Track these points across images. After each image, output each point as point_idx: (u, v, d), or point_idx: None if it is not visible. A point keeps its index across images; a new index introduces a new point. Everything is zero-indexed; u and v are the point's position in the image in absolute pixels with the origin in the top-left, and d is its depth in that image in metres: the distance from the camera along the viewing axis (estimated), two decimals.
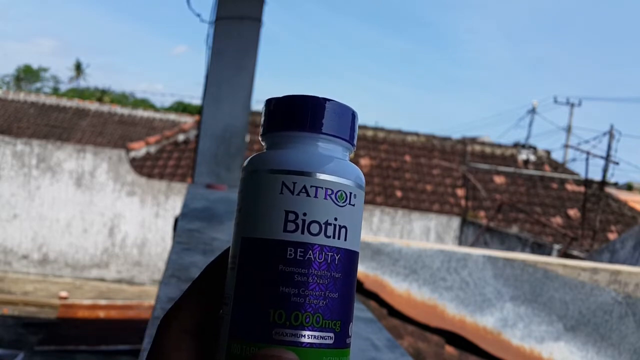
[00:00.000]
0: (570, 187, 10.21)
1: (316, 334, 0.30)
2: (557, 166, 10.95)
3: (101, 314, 6.72)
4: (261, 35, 4.07)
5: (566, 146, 14.49)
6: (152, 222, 8.58)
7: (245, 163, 0.34)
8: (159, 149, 9.33)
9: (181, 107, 30.76)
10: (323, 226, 0.31)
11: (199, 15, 4.02)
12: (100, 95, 29.38)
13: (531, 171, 10.37)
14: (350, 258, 0.33)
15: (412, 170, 9.89)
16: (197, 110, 19.45)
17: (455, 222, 8.86)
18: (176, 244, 1.97)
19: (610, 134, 8.62)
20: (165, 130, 13.53)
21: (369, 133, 10.37)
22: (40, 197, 8.56)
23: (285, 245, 0.31)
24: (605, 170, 8.44)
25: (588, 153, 8.56)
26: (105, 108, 15.80)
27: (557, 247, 6.11)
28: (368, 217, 8.60)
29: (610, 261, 5.20)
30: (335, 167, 0.32)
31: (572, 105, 18.79)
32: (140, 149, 9.18)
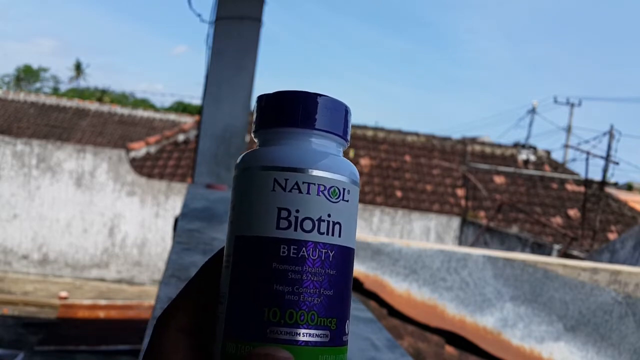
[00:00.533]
0: (570, 187, 10.21)
1: (311, 332, 0.30)
2: (557, 166, 10.95)
3: (101, 314, 6.72)
4: (261, 35, 4.08)
5: (566, 146, 14.49)
6: (152, 222, 8.59)
7: (238, 160, 0.34)
8: (159, 149, 9.33)
9: (181, 107, 30.76)
10: (316, 223, 0.31)
11: (199, 15, 4.03)
12: (100, 95, 29.38)
13: (531, 171, 10.36)
14: (345, 254, 0.32)
15: (412, 170, 9.89)
16: (197, 110, 19.45)
17: (455, 222, 8.85)
18: (176, 244, 1.97)
19: (610, 134, 8.61)
20: (165, 130, 13.53)
21: (369, 133, 10.37)
22: (40, 197, 8.56)
23: (278, 243, 0.30)
24: (605, 170, 8.44)
25: (588, 153, 8.56)
26: (105, 108, 15.80)
27: (557, 247, 6.10)
28: (368, 217, 8.60)
29: (610, 261, 5.20)
30: (328, 163, 0.32)
31: (572, 105, 18.79)
32: (140, 149, 9.18)
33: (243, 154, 0.34)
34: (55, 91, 33.85)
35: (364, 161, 9.78)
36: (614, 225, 9.32)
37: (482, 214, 9.10)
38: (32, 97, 15.72)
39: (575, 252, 5.89)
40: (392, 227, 8.72)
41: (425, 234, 8.80)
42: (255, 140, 0.35)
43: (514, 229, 8.22)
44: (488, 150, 10.81)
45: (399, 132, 10.62)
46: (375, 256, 3.60)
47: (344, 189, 0.32)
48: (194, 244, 2.01)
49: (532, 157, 10.91)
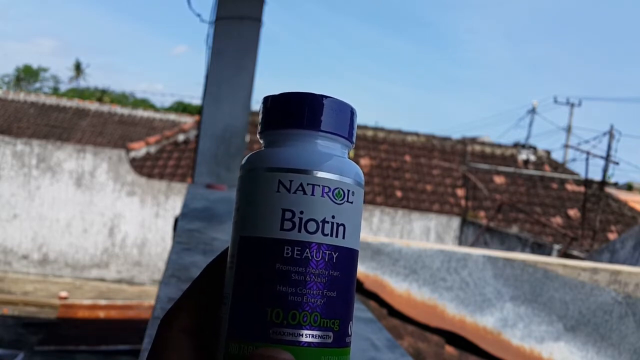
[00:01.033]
0: (570, 187, 10.21)
1: (314, 333, 0.30)
2: (557, 166, 10.95)
3: (101, 314, 6.72)
4: (261, 35, 4.07)
5: (566, 146, 14.49)
6: (152, 222, 8.58)
7: (243, 161, 0.34)
8: (159, 149, 9.33)
9: (181, 107, 30.76)
10: (320, 224, 0.31)
11: (199, 15, 4.03)
12: (100, 95, 29.38)
13: (531, 171, 10.36)
14: (348, 256, 0.32)
15: (412, 170, 9.89)
16: (197, 110, 19.45)
17: (455, 222, 8.86)
18: (176, 244, 1.97)
19: (610, 134, 8.62)
20: (165, 130, 13.53)
21: (369, 133, 10.37)
22: (40, 197, 8.56)
23: (282, 244, 0.30)
24: (605, 170, 8.44)
25: (588, 153, 8.56)
26: (105, 108, 15.80)
27: (557, 247, 6.10)
28: (368, 217, 8.60)
29: (610, 261, 5.20)
30: (332, 165, 0.32)
31: (572, 105, 18.79)
32: (140, 149, 9.17)
33: (248, 155, 0.34)
34: (55, 91, 33.85)
35: (364, 161, 9.78)
36: (614, 225, 9.32)
37: (482, 214, 9.10)
38: (32, 97, 15.72)
39: (575, 252, 5.89)
40: (392, 227, 8.72)
41: (425, 234, 8.80)
42: (261, 142, 0.35)
43: (514, 229, 8.22)
44: (488, 150, 10.81)
45: (399, 132, 10.62)
46: (375, 256, 3.60)
47: (348, 191, 0.32)
48: (194, 244, 2.01)
49: (532, 157, 10.91)
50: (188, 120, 15.09)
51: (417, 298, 3.61)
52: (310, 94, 0.33)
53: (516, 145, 11.36)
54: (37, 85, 35.91)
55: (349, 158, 0.34)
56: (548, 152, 11.18)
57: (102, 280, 8.54)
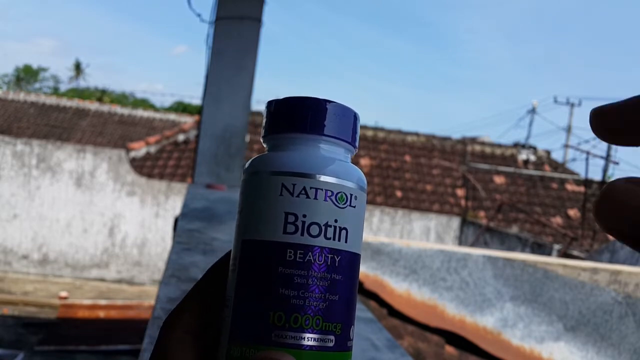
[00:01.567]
0: (570, 187, 10.21)
1: (316, 336, 0.30)
2: (557, 166, 10.95)
3: (101, 314, 6.72)
4: (261, 35, 4.08)
5: (566, 146, 14.49)
6: (152, 222, 8.59)
7: (247, 165, 0.34)
8: (159, 149, 9.33)
9: (181, 107, 30.75)
10: (323, 228, 0.31)
11: (199, 15, 4.03)
12: (100, 95, 29.38)
13: (531, 171, 10.37)
14: (351, 260, 0.32)
15: (412, 170, 9.89)
16: (197, 110, 19.45)
17: (455, 222, 8.86)
18: (176, 244, 1.97)
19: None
20: (165, 130, 13.53)
21: (369, 133, 10.37)
22: (40, 197, 8.56)
23: (284, 247, 0.31)
24: (605, 170, 8.45)
25: (588, 153, 8.57)
26: (105, 108, 15.80)
27: (557, 247, 6.11)
28: (368, 217, 8.60)
29: (610, 261, 5.20)
30: (335, 169, 0.32)
31: (572, 105, 18.79)
32: (140, 149, 9.17)
33: (252, 159, 0.34)
34: (55, 91, 33.84)
35: (364, 161, 9.78)
36: None
37: (482, 214, 9.10)
38: (32, 97, 15.72)
39: (575, 252, 5.89)
40: (392, 227, 8.72)
41: (425, 234, 8.80)
42: (264, 145, 0.35)
43: (514, 229, 8.22)
44: (488, 150, 10.81)
45: (399, 132, 10.62)
46: (375, 256, 3.60)
47: (351, 195, 0.32)
48: (194, 244, 2.01)
49: (532, 157, 10.91)
50: (188, 120, 15.09)
51: (417, 298, 3.61)
52: (313, 99, 0.33)
53: (516, 145, 11.36)
54: (37, 85, 35.92)
55: (350, 161, 0.35)
56: (548, 152, 11.18)
57: (102, 280, 8.54)
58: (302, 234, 0.31)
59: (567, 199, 9.93)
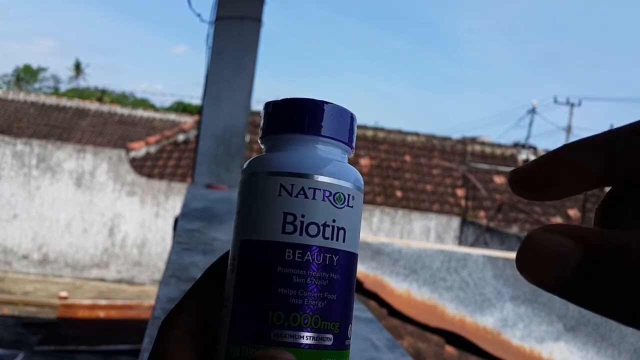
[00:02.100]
0: None
1: (315, 335, 0.31)
2: None
3: (101, 314, 6.72)
4: (261, 35, 4.08)
5: None
6: (152, 222, 8.59)
7: (245, 166, 0.34)
8: (159, 149, 9.33)
9: (181, 107, 30.75)
10: (321, 228, 0.31)
11: (199, 15, 4.03)
12: (100, 95, 29.38)
13: None
14: (348, 260, 0.33)
15: (412, 170, 9.89)
16: (197, 110, 19.45)
17: (455, 222, 8.86)
18: (176, 244, 1.97)
19: None
20: (165, 130, 13.53)
21: (369, 133, 10.38)
22: (40, 197, 8.56)
23: (283, 247, 0.31)
24: None
25: None
26: (105, 108, 15.80)
27: None
28: (368, 217, 8.61)
29: None
30: (333, 169, 0.32)
31: (572, 105, 18.80)
32: (140, 149, 9.18)
33: (250, 160, 0.34)
34: (56, 91, 33.84)
35: (364, 161, 9.79)
36: None
37: (482, 214, 9.10)
38: (32, 97, 15.72)
39: None
40: (392, 227, 8.72)
41: (425, 234, 8.80)
42: (262, 146, 0.35)
43: (514, 229, 8.22)
44: (488, 150, 10.82)
45: (399, 132, 10.63)
46: (375, 256, 3.60)
47: (348, 195, 0.33)
48: (194, 244, 2.01)
49: (532, 157, 10.92)
50: (188, 120, 15.09)
51: (417, 298, 3.61)
52: (311, 100, 0.33)
53: (516, 145, 11.36)
54: (37, 85, 35.92)
55: (347, 162, 0.35)
56: None
57: (102, 280, 8.54)
58: (300, 234, 0.31)
59: (567, 199, 9.93)
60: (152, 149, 9.29)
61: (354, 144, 0.35)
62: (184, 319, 0.33)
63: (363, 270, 3.54)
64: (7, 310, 6.82)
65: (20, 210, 8.54)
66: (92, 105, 15.89)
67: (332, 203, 0.32)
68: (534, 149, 11.20)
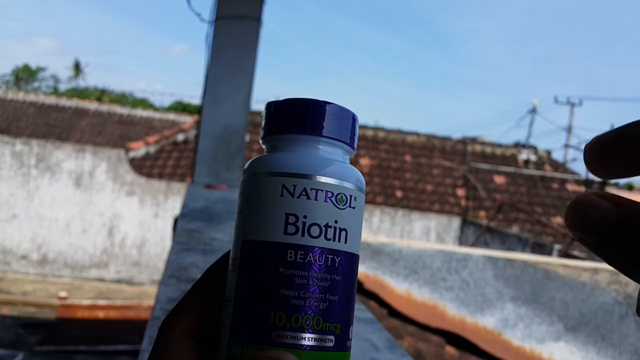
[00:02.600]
0: (571, 187, 10.21)
1: (316, 336, 0.31)
2: (557, 166, 10.96)
3: (100, 314, 6.72)
4: (261, 35, 4.07)
5: (567, 146, 14.51)
6: (152, 222, 8.58)
7: (246, 166, 0.34)
8: (158, 148, 9.33)
9: (181, 107, 30.74)
10: (323, 229, 0.31)
11: (198, 15, 4.02)
12: (100, 94, 29.38)
13: (532, 171, 10.37)
14: (350, 261, 0.33)
15: (412, 170, 9.89)
16: (196, 110, 19.46)
17: (456, 222, 8.86)
18: (176, 244, 1.97)
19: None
20: (164, 130, 13.53)
21: (369, 133, 10.37)
22: (40, 197, 8.56)
23: (285, 248, 0.31)
24: None
25: None
26: (105, 108, 15.80)
27: (557, 247, 6.10)
28: (368, 217, 8.60)
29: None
30: (335, 170, 0.32)
31: (573, 105, 18.80)
32: (139, 149, 9.17)
33: (251, 160, 0.34)
34: (55, 91, 33.84)
35: (364, 161, 9.78)
36: None
37: (482, 214, 9.10)
38: (31, 97, 15.72)
39: (576, 253, 5.89)
40: (392, 227, 8.72)
41: (426, 234, 8.80)
42: (263, 147, 0.35)
43: (515, 229, 8.22)
44: (488, 150, 10.82)
45: (399, 132, 10.63)
46: (375, 256, 3.60)
47: (350, 196, 0.33)
48: (194, 244, 2.01)
49: (533, 157, 10.92)
50: (187, 120, 15.09)
51: (418, 298, 3.61)
52: (313, 100, 0.33)
53: (517, 145, 11.37)
54: (36, 84, 35.92)
55: (349, 162, 0.35)
56: (549, 152, 11.18)
57: (102, 280, 8.54)
58: (302, 235, 0.31)
59: (568, 199, 9.94)
60: (152, 149, 9.28)
61: (355, 145, 0.35)
62: (184, 319, 0.33)
63: (363, 270, 3.54)
64: (6, 311, 6.82)
65: (19, 210, 8.53)
66: (92, 105, 15.89)
67: (334, 204, 0.32)
68: (534, 148, 11.20)
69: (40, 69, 36.51)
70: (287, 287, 0.30)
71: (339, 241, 0.32)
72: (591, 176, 9.00)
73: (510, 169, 10.13)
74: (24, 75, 35.74)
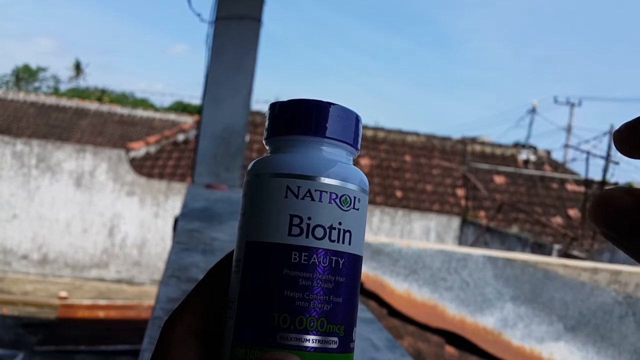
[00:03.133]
0: (570, 187, 10.21)
1: (320, 338, 0.30)
2: (557, 166, 10.96)
3: (101, 314, 6.72)
4: (261, 35, 4.08)
5: (566, 146, 14.50)
6: (152, 222, 8.58)
7: (250, 167, 0.34)
8: (158, 149, 9.33)
9: (181, 107, 30.71)
10: (327, 230, 0.31)
11: (199, 15, 4.02)
12: (100, 95, 29.36)
13: (531, 171, 10.37)
14: (354, 262, 0.33)
15: (412, 170, 9.89)
16: (196, 110, 19.44)
17: (455, 222, 8.86)
18: (176, 244, 1.97)
19: (611, 133, 8.60)
20: (164, 130, 13.52)
21: (369, 133, 10.37)
22: (40, 197, 8.56)
23: (290, 250, 0.31)
24: (605, 170, 8.45)
25: (588, 153, 8.57)
26: (105, 108, 15.79)
27: (557, 247, 6.11)
28: (368, 217, 8.57)
29: (611, 261, 5.20)
30: (339, 171, 0.32)
31: (572, 105, 18.79)
32: (139, 149, 9.17)
33: (254, 161, 0.34)
34: (56, 91, 33.82)
35: (364, 161, 9.78)
36: None
37: (482, 214, 9.10)
38: (32, 97, 15.72)
39: (575, 252, 5.89)
40: (392, 227, 8.72)
41: (426, 234, 8.80)
42: (267, 147, 0.35)
43: (514, 229, 8.22)
44: (488, 150, 10.82)
45: (399, 132, 10.63)
46: (375, 256, 3.60)
47: (354, 198, 0.33)
48: (194, 244, 2.01)
49: (532, 157, 10.92)
50: (188, 120, 15.08)
51: (417, 298, 3.61)
52: (316, 101, 0.33)
53: (516, 145, 11.36)
54: (36, 85, 35.89)
55: (352, 164, 0.35)
56: (548, 152, 11.18)
57: (102, 280, 8.54)
58: (307, 236, 0.31)
59: (568, 199, 9.94)
60: (152, 149, 9.28)
61: (359, 146, 0.35)
62: (187, 320, 0.33)
63: (363, 270, 3.54)
64: (6, 310, 6.81)
65: (19, 210, 8.53)
66: (92, 105, 15.88)
67: (338, 205, 0.32)
68: (534, 148, 11.20)
69: (40, 69, 36.48)
70: (291, 288, 0.30)
71: (343, 243, 0.32)
72: (591, 176, 9.00)
73: (510, 169, 10.13)
74: (25, 76, 35.71)
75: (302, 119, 0.33)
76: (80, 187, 8.62)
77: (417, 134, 10.62)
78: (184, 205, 2.97)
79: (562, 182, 10.28)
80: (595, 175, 9.66)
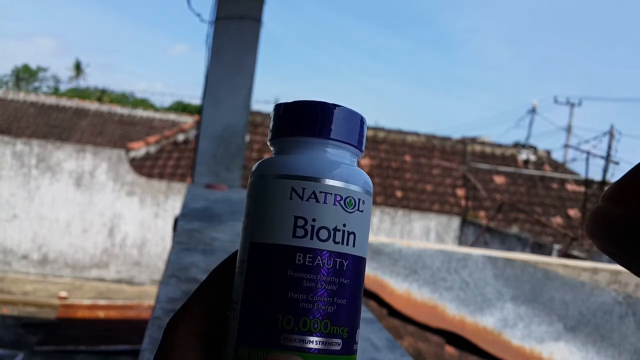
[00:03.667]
0: (570, 187, 10.21)
1: (324, 340, 0.30)
2: (557, 166, 10.96)
3: (101, 314, 6.72)
4: (261, 35, 4.08)
5: (566, 146, 14.50)
6: (152, 222, 8.58)
7: (254, 168, 0.34)
8: (158, 149, 9.33)
9: (181, 107, 30.71)
10: (332, 232, 0.31)
11: (199, 15, 4.02)
12: (100, 95, 29.36)
13: (531, 171, 10.37)
14: (358, 264, 0.33)
15: (412, 170, 9.89)
16: (196, 110, 19.45)
17: (455, 222, 8.86)
18: (176, 244, 1.97)
19: (611, 133, 8.62)
20: (165, 130, 13.52)
21: (369, 133, 10.37)
22: (40, 197, 8.56)
23: (294, 251, 0.31)
24: (605, 170, 8.45)
25: (588, 153, 8.57)
26: (105, 108, 15.79)
27: (557, 247, 6.11)
28: None
29: (611, 261, 5.18)
30: (343, 173, 0.32)
31: (572, 105, 18.79)
32: (139, 149, 9.17)
33: (259, 162, 0.34)
34: (56, 91, 33.81)
35: (364, 161, 9.79)
36: None
37: (482, 214, 9.10)
38: (32, 97, 15.72)
39: (575, 252, 5.89)
40: (392, 227, 8.72)
41: (426, 234, 8.81)
42: (271, 149, 0.35)
43: (514, 229, 8.23)
44: (488, 150, 10.82)
45: (399, 132, 10.63)
46: (375, 256, 3.60)
47: (359, 199, 0.33)
48: (194, 244, 2.01)
49: (532, 157, 10.92)
50: (188, 120, 15.08)
51: (417, 298, 3.61)
52: (321, 103, 0.33)
53: (516, 145, 11.37)
54: (36, 85, 35.89)
55: (357, 165, 0.35)
56: (548, 152, 11.18)
57: (102, 280, 8.54)
58: (311, 238, 0.31)
59: (568, 199, 9.94)
60: (152, 149, 9.28)
61: (363, 147, 0.35)
62: (190, 320, 0.33)
63: None
64: (6, 310, 6.81)
65: (19, 210, 8.53)
66: (92, 105, 15.88)
67: (342, 207, 0.32)
68: (534, 148, 11.20)
69: (40, 69, 36.48)
70: (296, 290, 0.30)
71: (347, 245, 0.32)
72: (591, 176, 9.00)
73: (510, 169, 10.13)
74: (25, 76, 35.70)
75: (307, 120, 0.33)
76: (80, 187, 8.62)
77: (417, 134, 10.62)
78: (184, 205, 2.97)
79: (562, 182, 10.28)
80: (595, 175, 9.67)
